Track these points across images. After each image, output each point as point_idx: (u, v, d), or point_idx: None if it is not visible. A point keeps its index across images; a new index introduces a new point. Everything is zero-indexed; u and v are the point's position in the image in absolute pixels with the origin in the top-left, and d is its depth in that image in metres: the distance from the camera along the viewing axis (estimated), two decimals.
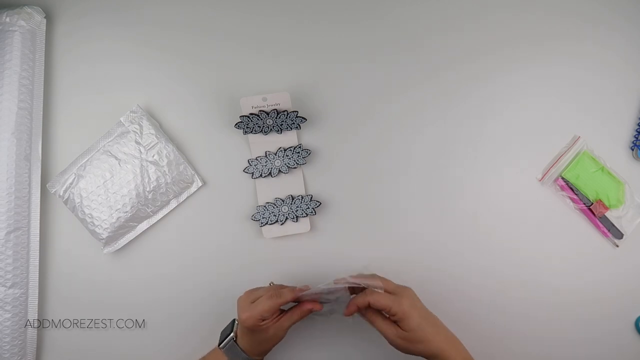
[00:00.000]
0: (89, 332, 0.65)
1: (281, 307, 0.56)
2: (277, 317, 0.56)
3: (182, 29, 0.68)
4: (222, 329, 0.60)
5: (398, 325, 0.53)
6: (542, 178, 0.66)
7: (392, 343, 0.54)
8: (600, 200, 0.65)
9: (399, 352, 0.54)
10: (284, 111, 0.64)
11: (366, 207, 0.66)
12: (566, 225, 0.65)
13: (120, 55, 0.68)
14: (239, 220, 0.66)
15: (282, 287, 0.57)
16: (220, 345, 0.57)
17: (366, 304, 0.53)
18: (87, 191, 0.63)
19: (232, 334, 0.57)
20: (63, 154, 0.67)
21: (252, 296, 0.56)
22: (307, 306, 0.56)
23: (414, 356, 0.54)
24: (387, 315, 0.54)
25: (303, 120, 0.64)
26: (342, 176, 0.66)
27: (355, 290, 0.56)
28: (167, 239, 0.66)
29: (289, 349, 0.64)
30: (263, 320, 0.54)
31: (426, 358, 0.53)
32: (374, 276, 0.56)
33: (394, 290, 0.54)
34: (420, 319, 0.53)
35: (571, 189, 0.65)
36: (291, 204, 0.65)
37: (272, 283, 0.60)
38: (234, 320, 0.59)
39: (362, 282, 0.54)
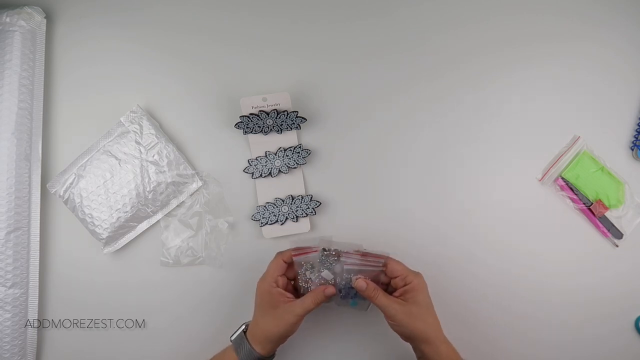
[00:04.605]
0: (89, 332, 0.65)
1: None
2: (289, 296, 0.55)
3: (182, 29, 0.68)
4: (222, 328, 0.60)
5: (404, 300, 0.54)
6: (542, 178, 0.66)
7: (392, 319, 0.53)
8: (600, 200, 0.65)
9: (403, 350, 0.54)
10: (284, 111, 0.64)
11: (366, 207, 0.66)
12: (566, 225, 0.65)
13: (121, 55, 0.68)
14: (239, 220, 0.66)
15: None
16: (231, 337, 0.56)
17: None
18: (87, 191, 0.63)
19: (243, 326, 0.56)
20: (63, 154, 0.67)
21: None
22: (320, 289, 0.55)
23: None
24: (389, 292, 0.56)
25: (303, 120, 0.64)
26: (343, 176, 0.66)
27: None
28: None
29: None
30: (276, 284, 0.55)
31: (416, 341, 0.53)
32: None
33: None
34: (428, 298, 0.54)
35: (571, 189, 0.65)
36: (291, 204, 0.65)
37: None
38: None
39: (377, 254, 0.57)
